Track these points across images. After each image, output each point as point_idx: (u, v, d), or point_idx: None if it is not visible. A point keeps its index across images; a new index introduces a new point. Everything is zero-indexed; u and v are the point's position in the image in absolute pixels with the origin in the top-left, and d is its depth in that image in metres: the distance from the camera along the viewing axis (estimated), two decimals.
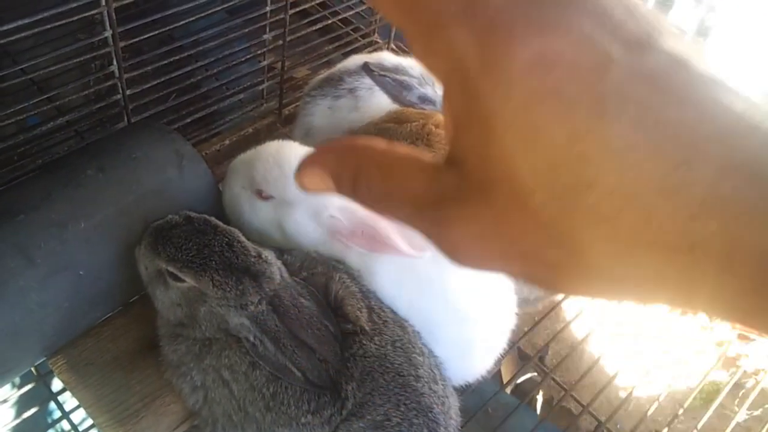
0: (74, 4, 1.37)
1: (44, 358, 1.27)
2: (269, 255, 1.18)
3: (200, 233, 1.15)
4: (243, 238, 1.17)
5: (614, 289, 0.37)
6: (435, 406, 1.18)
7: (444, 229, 0.40)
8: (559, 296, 1.73)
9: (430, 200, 0.40)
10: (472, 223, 0.38)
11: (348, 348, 1.15)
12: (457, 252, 0.40)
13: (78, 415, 1.39)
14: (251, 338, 1.12)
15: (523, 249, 0.37)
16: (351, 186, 0.44)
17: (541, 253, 0.37)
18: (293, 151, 1.32)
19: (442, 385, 1.24)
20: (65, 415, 1.38)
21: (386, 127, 1.49)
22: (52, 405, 1.41)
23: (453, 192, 0.39)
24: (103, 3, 1.40)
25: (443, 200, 0.39)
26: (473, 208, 0.38)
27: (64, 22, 1.37)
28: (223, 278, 1.11)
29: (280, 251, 1.25)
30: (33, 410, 1.38)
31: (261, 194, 1.31)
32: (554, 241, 0.36)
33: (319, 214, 1.28)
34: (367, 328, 1.17)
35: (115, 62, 1.55)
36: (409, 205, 0.41)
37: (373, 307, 1.21)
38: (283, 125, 2.10)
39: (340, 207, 1.27)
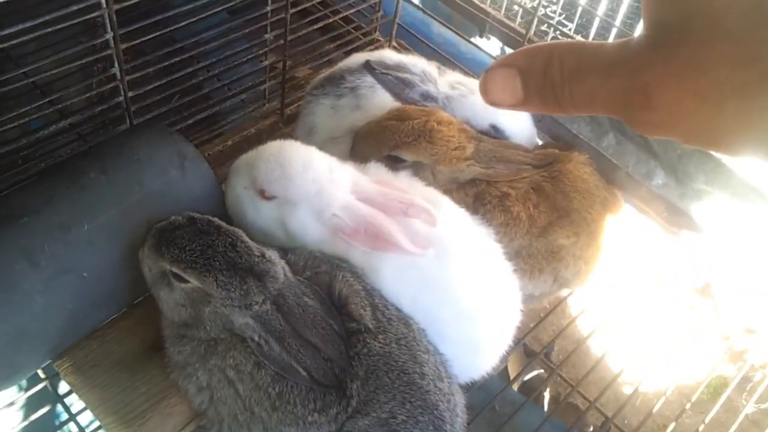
0: (75, 7, 1.37)
1: (50, 361, 1.27)
2: (273, 254, 1.18)
3: (203, 234, 1.15)
4: (246, 238, 1.17)
5: None
6: (440, 403, 1.18)
7: (640, 76, 0.45)
8: (565, 292, 1.72)
9: (622, 59, 0.46)
10: (669, 63, 0.44)
11: (353, 346, 1.15)
12: (652, 96, 0.45)
13: (85, 417, 1.39)
14: (256, 338, 1.12)
15: (717, 77, 0.42)
16: (542, 71, 0.50)
17: (734, 77, 0.41)
18: (295, 151, 1.32)
19: (448, 382, 1.24)
20: (72, 417, 1.38)
21: (389, 124, 1.49)
22: (60, 407, 1.41)
23: (647, 43, 0.45)
24: (104, 5, 1.40)
25: (636, 55, 0.46)
26: (670, 49, 0.44)
27: (65, 25, 1.38)
28: (227, 278, 1.11)
29: (284, 251, 1.25)
30: (40, 412, 1.38)
31: (264, 194, 1.31)
32: (747, 61, 0.40)
33: (322, 213, 1.28)
34: (371, 326, 1.17)
35: (116, 64, 1.55)
36: (604, 69, 0.47)
37: (377, 305, 1.21)
38: (286, 125, 2.10)
39: (342, 206, 1.27)
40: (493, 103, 0.54)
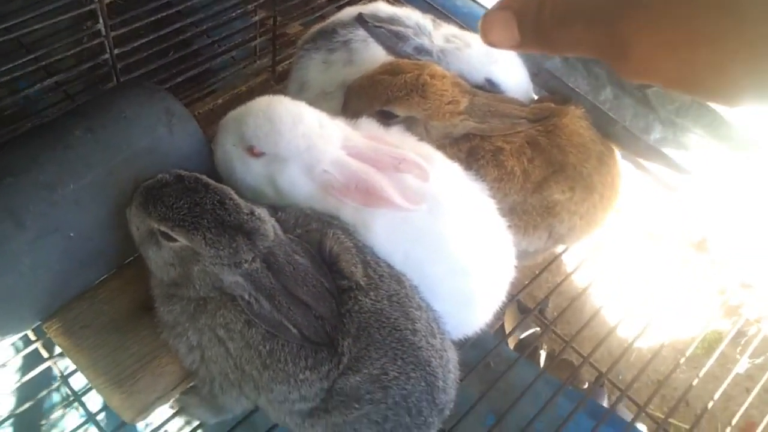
0: None
1: (40, 322, 1.26)
2: (262, 212, 1.16)
3: (191, 191, 1.13)
4: (235, 196, 1.15)
5: None
6: (433, 359, 1.17)
7: (618, 26, 0.47)
8: (560, 248, 1.71)
9: (604, 7, 0.48)
10: (643, 13, 0.46)
11: (344, 303, 1.14)
12: (628, 46, 0.47)
13: (78, 378, 1.39)
14: (246, 296, 1.11)
15: (689, 27, 0.44)
16: (535, 14, 0.53)
17: (705, 27, 0.43)
18: (284, 106, 1.29)
19: (440, 338, 1.23)
20: (64, 379, 1.38)
21: (380, 78, 1.46)
22: (53, 368, 1.41)
23: None
24: None
25: (615, 4, 0.47)
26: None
27: None
28: (216, 236, 1.09)
29: (274, 209, 1.23)
30: (32, 374, 1.38)
31: (253, 151, 1.28)
32: (718, 11, 0.42)
33: (312, 169, 1.26)
34: (362, 283, 1.15)
35: (101, 20, 1.51)
36: (587, 17, 0.49)
37: (369, 262, 1.20)
38: (277, 82, 2.07)
39: (333, 161, 1.25)
40: (492, 44, 0.58)
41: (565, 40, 0.52)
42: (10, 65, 1.48)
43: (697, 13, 0.43)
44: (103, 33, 1.55)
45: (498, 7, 0.56)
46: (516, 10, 0.55)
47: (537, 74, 1.70)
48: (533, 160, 1.47)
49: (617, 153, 1.63)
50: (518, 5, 0.55)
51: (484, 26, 0.57)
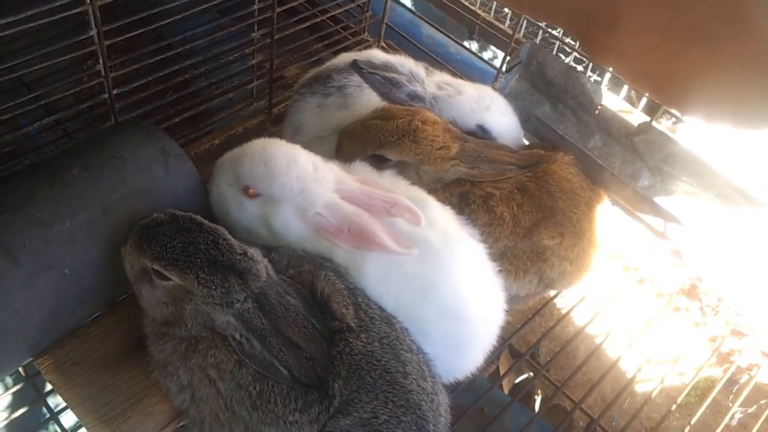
0: (59, 3, 1.36)
1: (31, 359, 1.26)
2: (255, 253, 1.17)
3: (185, 231, 1.14)
4: (229, 236, 1.16)
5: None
6: (423, 403, 1.17)
7: None
8: (552, 293, 1.72)
9: None
10: None
11: (335, 345, 1.14)
12: (615, 24, 0.40)
13: (68, 416, 1.38)
14: (237, 336, 1.11)
15: (692, 20, 0.37)
16: None
17: (708, 25, 0.37)
18: (279, 149, 1.32)
19: (431, 381, 1.23)
20: (54, 415, 1.37)
21: (373, 123, 1.49)
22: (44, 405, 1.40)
23: None
24: (88, 1, 1.39)
25: None
26: None
27: (50, 19, 1.36)
28: (209, 276, 1.10)
29: (267, 249, 1.24)
30: (22, 410, 1.37)
31: (248, 192, 1.30)
32: (727, 14, 0.38)
33: (306, 212, 1.27)
34: (353, 325, 1.16)
35: (100, 61, 1.54)
36: None
37: (360, 304, 1.21)
38: (273, 124, 2.10)
39: (326, 204, 1.26)
40: None
41: None
42: (11, 103, 1.50)
43: (704, 9, 0.38)
44: (103, 73, 1.58)
45: None
46: None
47: (527, 121, 1.73)
48: (523, 205, 1.49)
49: (607, 199, 1.66)
50: None
51: None
